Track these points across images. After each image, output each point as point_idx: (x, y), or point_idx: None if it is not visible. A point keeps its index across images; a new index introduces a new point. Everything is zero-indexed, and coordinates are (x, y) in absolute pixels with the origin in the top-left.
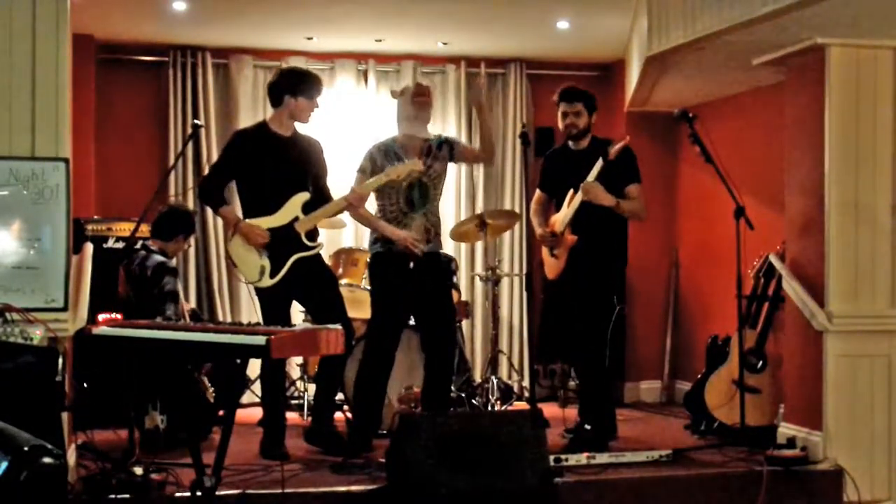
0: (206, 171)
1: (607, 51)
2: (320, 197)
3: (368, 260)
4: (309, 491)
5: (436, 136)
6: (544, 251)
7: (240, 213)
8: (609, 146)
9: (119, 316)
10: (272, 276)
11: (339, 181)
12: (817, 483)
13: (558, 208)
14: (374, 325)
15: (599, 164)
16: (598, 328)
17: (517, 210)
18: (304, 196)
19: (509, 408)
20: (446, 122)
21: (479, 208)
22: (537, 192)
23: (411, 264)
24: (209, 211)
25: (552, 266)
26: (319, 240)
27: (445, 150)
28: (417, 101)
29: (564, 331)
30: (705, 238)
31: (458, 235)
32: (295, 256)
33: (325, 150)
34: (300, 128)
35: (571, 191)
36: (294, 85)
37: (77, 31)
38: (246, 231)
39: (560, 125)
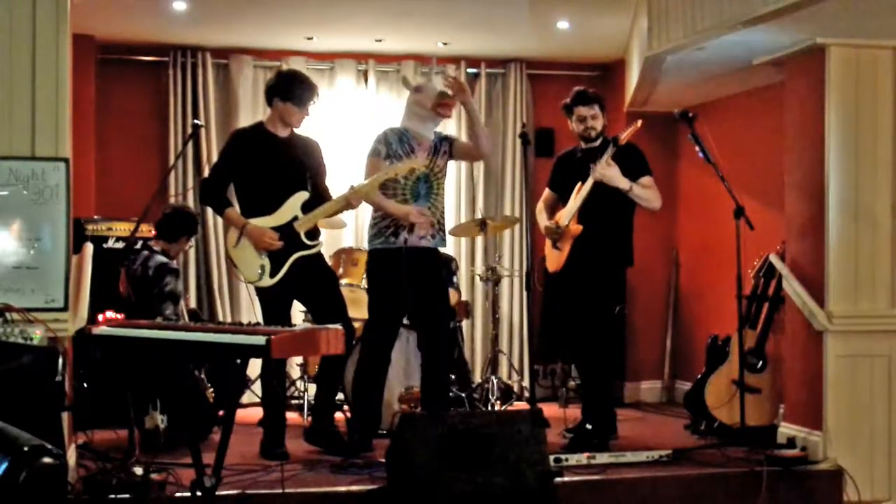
0: (207, 173)
1: (607, 51)
2: (319, 197)
3: (367, 253)
4: (309, 491)
5: (436, 134)
6: (547, 244)
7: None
8: (630, 162)
9: (121, 316)
10: (272, 275)
11: (339, 181)
12: (817, 483)
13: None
14: (372, 323)
15: (610, 150)
16: (599, 328)
17: (517, 210)
18: (302, 195)
19: (509, 408)
20: (446, 122)
21: (479, 208)
22: (546, 191)
23: (405, 240)
24: (209, 211)
25: (554, 258)
26: (320, 239)
27: (446, 146)
28: (439, 112)
29: (565, 330)
30: (705, 238)
31: (457, 231)
32: (295, 256)
33: (325, 150)
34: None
35: (580, 183)
36: (285, 89)
37: (77, 31)
38: (256, 235)
39: (576, 128)
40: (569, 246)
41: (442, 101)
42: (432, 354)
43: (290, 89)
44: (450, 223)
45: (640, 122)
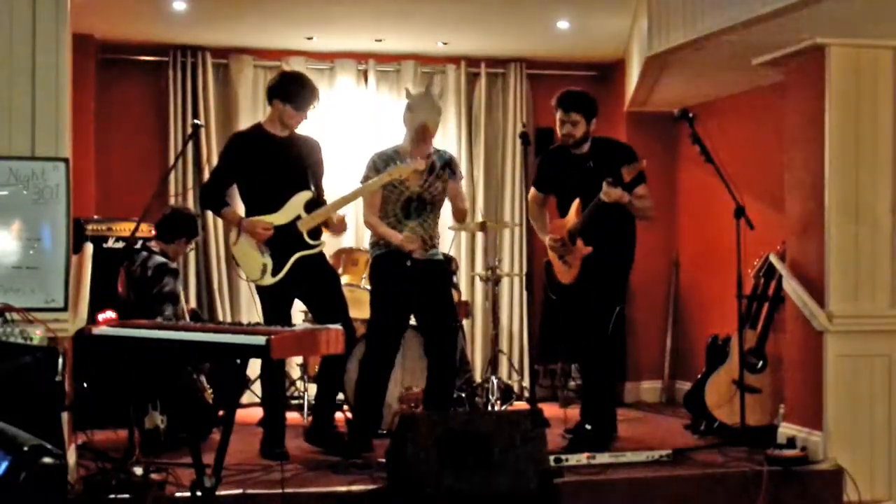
0: (207, 176)
1: (607, 51)
2: (316, 196)
3: (369, 261)
4: (309, 491)
5: (441, 153)
6: (553, 256)
7: (242, 214)
8: (624, 165)
9: (115, 315)
10: (274, 274)
11: (339, 180)
12: (817, 483)
13: (559, 207)
14: (374, 326)
15: (608, 182)
16: (601, 328)
17: (517, 209)
18: (306, 195)
19: (509, 408)
20: (446, 123)
21: (480, 208)
22: (532, 190)
23: (408, 262)
24: (209, 212)
25: (564, 272)
26: (322, 239)
27: (447, 173)
28: (417, 138)
29: (568, 330)
30: (705, 238)
31: (455, 226)
32: (297, 255)
33: (325, 150)
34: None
35: (578, 200)
36: (286, 91)
37: (77, 31)
38: (249, 228)
39: (557, 131)
40: (578, 263)
41: (421, 130)
42: (438, 359)
43: (291, 91)
44: (449, 221)
45: (644, 162)
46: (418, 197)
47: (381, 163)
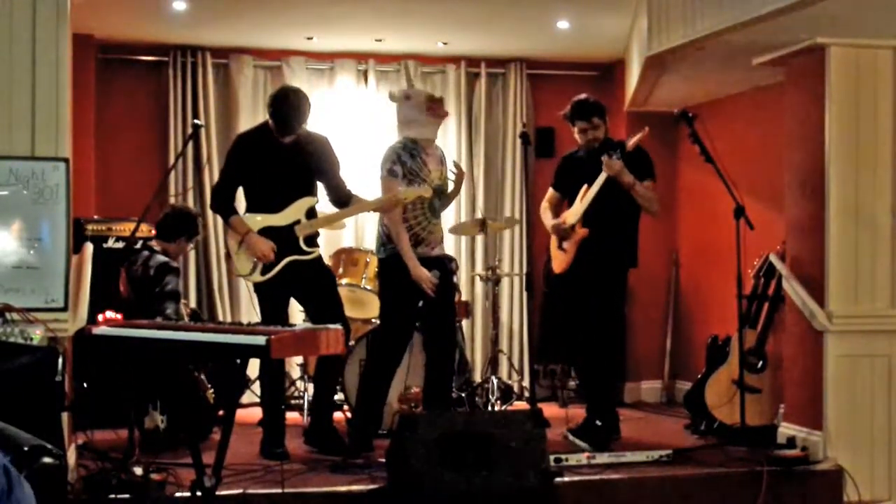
0: (217, 180)
1: (607, 51)
2: (337, 193)
3: (379, 262)
4: (309, 491)
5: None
6: (552, 245)
7: (242, 211)
8: (624, 143)
9: (120, 316)
10: (263, 273)
11: None
12: (817, 483)
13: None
14: (387, 328)
15: (617, 155)
16: (602, 329)
17: (517, 210)
18: (309, 201)
19: (509, 408)
20: (447, 122)
21: (479, 208)
22: (550, 190)
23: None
24: (210, 211)
25: (560, 260)
26: (319, 240)
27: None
28: (436, 112)
29: (567, 330)
30: (705, 238)
31: (455, 229)
32: (287, 259)
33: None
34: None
35: (585, 186)
36: (272, 113)
37: (77, 31)
38: (252, 244)
39: (580, 140)
40: (574, 248)
41: (437, 104)
42: (437, 357)
43: (277, 117)
44: (450, 222)
45: (646, 130)
46: (440, 190)
47: (406, 155)
